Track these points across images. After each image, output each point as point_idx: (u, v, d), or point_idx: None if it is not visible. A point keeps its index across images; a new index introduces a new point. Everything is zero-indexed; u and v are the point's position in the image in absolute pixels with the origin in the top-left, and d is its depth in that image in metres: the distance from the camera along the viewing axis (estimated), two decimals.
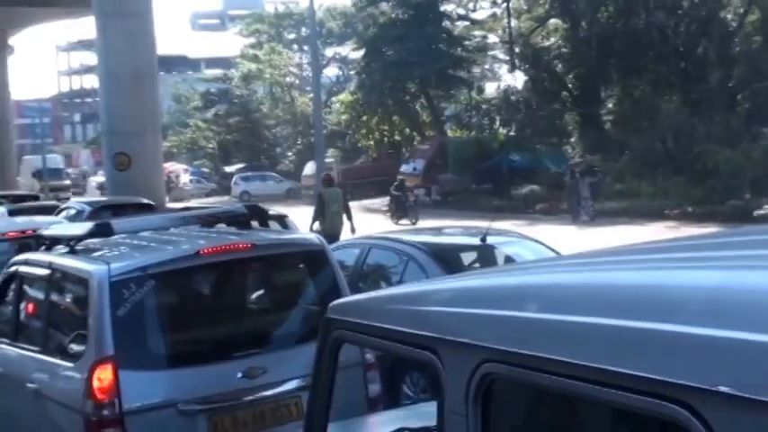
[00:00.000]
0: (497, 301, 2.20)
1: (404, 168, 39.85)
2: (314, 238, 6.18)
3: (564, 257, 3.49)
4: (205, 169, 58.74)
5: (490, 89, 48.72)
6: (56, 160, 57.56)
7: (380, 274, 9.17)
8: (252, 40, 58.17)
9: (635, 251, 2.58)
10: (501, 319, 2.09)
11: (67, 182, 54.64)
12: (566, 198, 29.06)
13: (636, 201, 27.68)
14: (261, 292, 6.34)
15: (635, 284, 2.00)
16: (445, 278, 3.01)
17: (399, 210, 29.44)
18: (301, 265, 6.10)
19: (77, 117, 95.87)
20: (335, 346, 2.79)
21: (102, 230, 5.81)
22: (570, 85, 38.40)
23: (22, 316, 6.50)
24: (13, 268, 6.61)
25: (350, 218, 17.10)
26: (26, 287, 6.48)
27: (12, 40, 39.76)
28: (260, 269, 6.14)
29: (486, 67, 49.29)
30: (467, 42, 43.85)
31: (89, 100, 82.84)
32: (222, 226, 6.36)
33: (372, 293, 3.01)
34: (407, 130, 45.69)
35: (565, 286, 2.18)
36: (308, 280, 6.08)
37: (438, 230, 11.18)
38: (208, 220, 6.28)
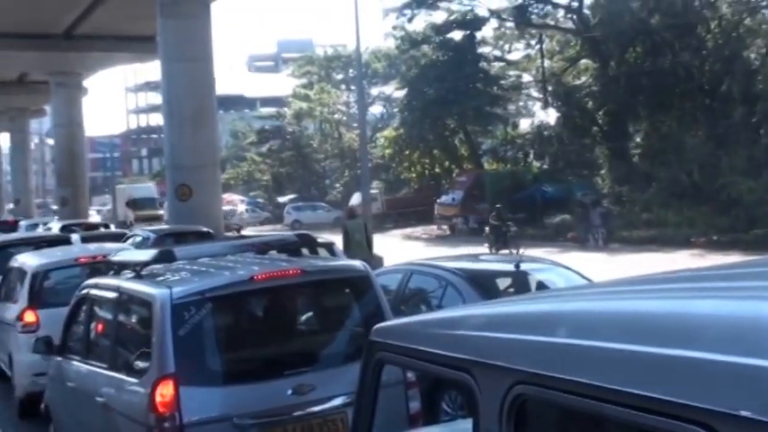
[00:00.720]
0: (529, 326, 2.19)
1: (443, 199, 39.87)
2: (359, 264, 6.19)
3: (593, 285, 3.45)
4: (260, 199, 59.21)
5: (524, 125, 48.70)
6: (149, 189, 53.73)
7: (421, 297, 9.14)
8: (303, 80, 58.73)
9: (660, 280, 2.54)
10: (532, 343, 2.07)
11: (161, 212, 48.52)
12: (576, 227, 29.06)
13: (663, 229, 27.36)
14: (309, 314, 6.35)
15: (660, 312, 1.97)
16: (480, 304, 2.99)
17: (500, 240, 25.88)
18: (347, 290, 6.11)
19: (144, 152, 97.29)
20: (378, 367, 2.79)
21: (165, 257, 5.89)
22: (600, 121, 38.17)
23: (92, 335, 6.59)
24: (85, 291, 6.72)
25: (370, 247, 16.94)
26: (96, 309, 6.57)
27: (86, 82, 40.55)
28: (309, 293, 6.17)
29: (521, 104, 49.26)
30: (502, 81, 43.86)
31: (155, 136, 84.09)
32: (274, 253, 6.41)
33: (412, 318, 3.00)
34: (447, 164, 45.69)
35: (593, 313, 2.15)
36: (353, 303, 6.08)
37: (475, 257, 11.13)
38: (261, 247, 6.33)
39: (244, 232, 32.56)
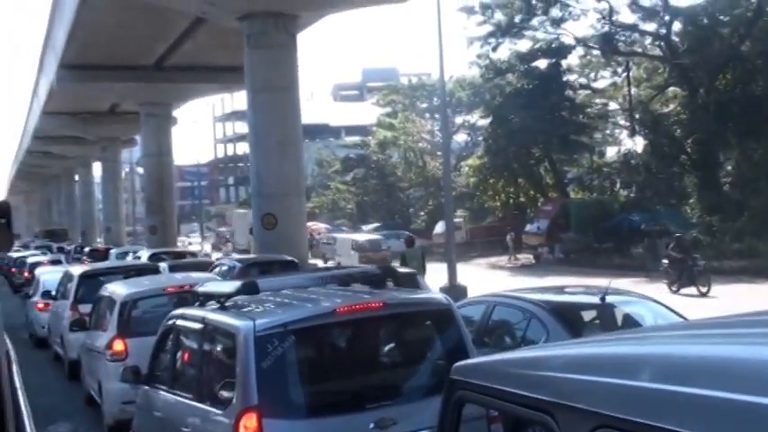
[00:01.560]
0: (612, 368, 2.16)
1: (528, 228, 39.50)
2: (442, 297, 6.19)
3: (681, 326, 3.38)
4: (344, 228, 59.69)
5: (611, 153, 48.01)
6: None
7: (504, 330, 9.06)
8: (388, 109, 59.18)
9: (751, 322, 2.48)
10: (616, 386, 2.05)
11: None
12: (645, 257, 28.63)
13: (755, 260, 26.51)
14: (392, 347, 6.37)
15: (755, 358, 1.91)
16: (562, 344, 2.96)
17: (684, 277, 22.14)
18: (429, 323, 6.11)
19: (231, 180, 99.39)
20: (458, 405, 2.79)
21: (249, 289, 6.00)
22: (689, 149, 37.32)
23: (178, 365, 6.74)
24: (171, 321, 6.89)
25: (423, 273, 17.35)
26: (182, 339, 6.72)
27: (175, 112, 41.76)
28: (391, 326, 6.18)
29: (607, 132, 48.59)
30: (588, 109, 43.38)
31: (241, 165, 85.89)
32: (357, 285, 6.45)
33: (493, 357, 3.00)
34: (532, 192, 45.30)
35: (681, 357, 2.11)
36: (435, 336, 6.08)
37: (560, 289, 10.98)
38: (344, 279, 6.38)
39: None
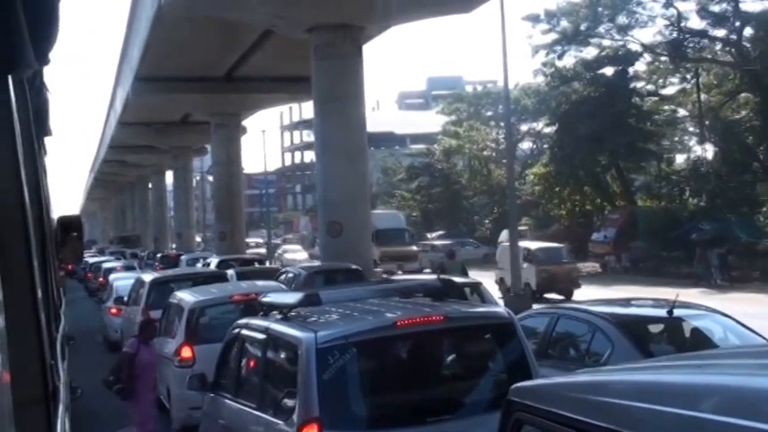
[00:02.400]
0: (677, 398, 2.07)
1: (595, 236, 38.93)
2: (503, 311, 6.11)
3: (748, 352, 3.25)
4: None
5: (680, 160, 47.01)
6: (397, 219, 43.63)
7: (568, 342, 8.91)
8: (453, 117, 59.09)
9: None
10: (680, 418, 1.96)
11: (413, 248, 39.00)
12: (695, 266, 28.81)
13: None
14: (452, 360, 6.30)
15: None
16: (626, 368, 2.86)
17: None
18: (491, 337, 6.03)
19: (298, 188, 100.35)
20: (516, 427, 2.73)
21: (312, 301, 6.01)
22: (761, 157, 36.31)
23: (242, 374, 6.79)
24: (236, 330, 6.96)
25: None
26: (246, 348, 6.77)
27: (244, 122, 42.33)
28: (452, 339, 6.13)
29: (676, 139, 47.64)
30: (656, 117, 42.59)
31: (308, 173, 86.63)
32: (419, 297, 6.41)
33: (552, 380, 2.92)
34: (598, 200, 44.63)
35: (748, 389, 2.01)
36: (496, 350, 6.00)
37: (626, 302, 10.76)
38: (405, 292, 6.35)
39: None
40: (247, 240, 50.19)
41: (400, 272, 33.75)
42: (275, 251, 53.33)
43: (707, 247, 28.38)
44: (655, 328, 8.41)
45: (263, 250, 55.09)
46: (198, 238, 63.72)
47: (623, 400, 2.22)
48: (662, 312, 8.04)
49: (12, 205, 2.15)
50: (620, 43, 40.74)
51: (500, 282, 26.18)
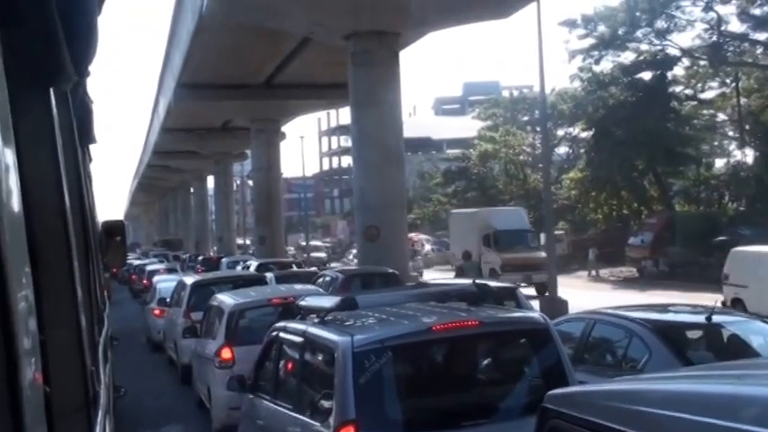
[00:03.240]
0: (717, 408, 2.02)
1: (632, 241, 38.52)
2: (538, 317, 6.06)
3: None
4: (445, 239, 59.51)
5: (719, 165, 46.36)
6: (519, 217, 34.69)
7: (604, 348, 8.81)
8: (489, 122, 58.86)
9: None
10: (719, 429, 1.92)
11: (541, 254, 28.77)
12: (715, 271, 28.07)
13: None
14: (487, 365, 6.28)
15: None
16: (663, 376, 2.82)
17: None
18: (526, 342, 6.00)
19: (336, 192, 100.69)
20: None
21: (348, 305, 6.01)
22: None
23: (280, 376, 6.83)
24: (275, 333, 7.01)
25: None
26: (284, 351, 6.81)
27: (283, 128, 42.60)
28: (487, 344, 6.10)
29: (715, 143, 46.97)
30: (695, 121, 42.07)
31: (346, 177, 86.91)
32: (454, 302, 6.39)
33: (588, 387, 2.88)
34: (635, 205, 44.16)
35: None
36: (531, 355, 5.97)
37: (664, 307, 10.61)
38: (441, 297, 6.33)
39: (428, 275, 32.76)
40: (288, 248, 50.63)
41: (524, 284, 25.67)
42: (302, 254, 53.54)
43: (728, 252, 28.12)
44: (693, 335, 8.28)
45: (322, 254, 55.28)
46: (244, 241, 64.16)
47: (661, 410, 2.19)
48: (700, 318, 7.92)
49: (53, 212, 2.18)
50: (659, 47, 40.31)
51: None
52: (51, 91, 2.14)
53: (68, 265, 2.30)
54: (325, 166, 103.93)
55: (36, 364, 1.01)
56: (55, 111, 2.18)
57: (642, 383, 2.76)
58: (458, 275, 18.31)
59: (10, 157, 0.99)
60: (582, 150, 50.06)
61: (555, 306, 18.70)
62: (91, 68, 2.47)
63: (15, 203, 1.00)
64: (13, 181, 1.00)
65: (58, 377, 1.43)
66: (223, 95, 37.02)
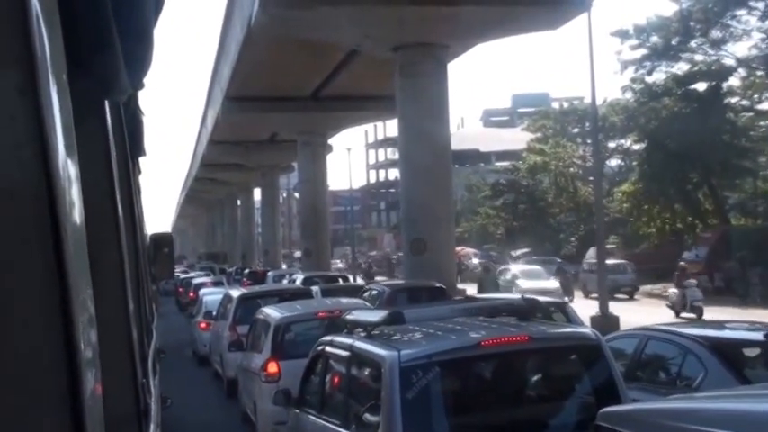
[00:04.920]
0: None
1: (686, 255, 37.88)
2: (590, 332, 6.00)
3: None
4: (493, 253, 59.21)
5: None
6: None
7: (658, 365, 8.67)
8: (538, 134, 58.49)
9: None
10: None
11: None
12: (736, 285, 29.44)
13: None
14: (537, 381, 6.22)
15: None
16: (719, 395, 2.77)
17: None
18: (577, 358, 5.93)
19: (382, 205, 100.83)
20: None
21: (395, 319, 6.01)
22: None
23: (326, 390, 6.85)
24: (321, 347, 7.03)
25: None
26: (330, 365, 6.83)
27: (330, 140, 42.85)
28: (536, 360, 6.06)
29: None
30: (752, 132, 41.28)
31: (392, 190, 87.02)
32: (504, 317, 6.35)
33: (642, 405, 2.85)
34: (689, 219, 43.46)
35: None
36: (582, 372, 5.90)
37: (720, 324, 10.40)
38: (490, 311, 6.30)
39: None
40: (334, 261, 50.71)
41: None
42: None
43: (746, 267, 29.07)
44: (750, 353, 8.11)
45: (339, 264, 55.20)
46: (290, 251, 64.52)
47: (718, 430, 2.15)
48: (758, 336, 7.76)
49: (107, 224, 2.23)
50: (714, 58, 39.72)
51: None
52: (106, 103, 2.19)
53: (121, 277, 2.34)
54: (372, 179, 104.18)
55: (96, 376, 1.04)
56: (109, 123, 2.23)
57: (697, 402, 2.71)
58: (479, 288, 18.91)
59: (73, 170, 1.02)
60: (634, 163, 49.48)
61: (606, 322, 18.49)
62: (146, 80, 2.52)
63: (78, 217, 1.03)
64: (76, 194, 1.02)
65: (111, 389, 1.46)
66: (270, 108, 37.40)
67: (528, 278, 30.99)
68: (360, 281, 36.67)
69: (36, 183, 0.87)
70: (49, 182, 0.88)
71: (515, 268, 35.26)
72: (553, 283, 30.57)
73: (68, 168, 0.98)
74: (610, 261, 29.47)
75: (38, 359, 0.86)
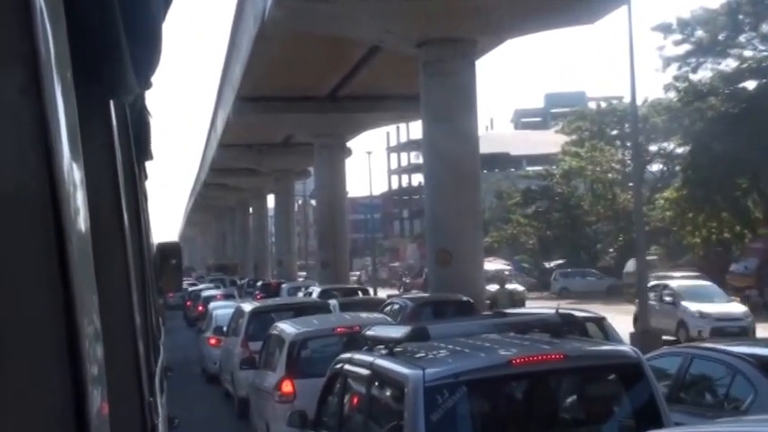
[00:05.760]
0: None
1: (734, 268, 37.62)
2: (629, 350, 5.97)
3: None
4: (525, 264, 59.05)
5: None
6: None
7: (703, 386, 8.63)
8: (574, 136, 58.28)
9: None
10: None
11: None
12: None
13: None
14: (573, 403, 6.20)
15: None
16: (762, 420, 2.76)
17: None
18: (616, 378, 5.91)
19: (405, 213, 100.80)
20: None
21: (419, 335, 6.01)
22: None
23: (345, 411, 6.85)
24: (339, 365, 7.04)
25: None
26: (349, 384, 6.84)
27: (349, 143, 42.97)
28: (572, 380, 6.04)
29: None
30: None
31: (416, 197, 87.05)
32: (536, 333, 6.34)
33: (685, 429, 2.83)
34: (738, 228, 43.13)
35: None
36: (621, 393, 5.88)
37: None
38: (521, 327, 6.29)
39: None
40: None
41: None
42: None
43: None
44: None
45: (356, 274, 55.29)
46: (306, 262, 64.68)
47: None
48: None
49: (111, 233, 2.24)
50: (765, 54, 39.45)
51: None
52: (111, 103, 2.21)
53: (126, 289, 2.35)
54: (394, 185, 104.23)
55: (103, 394, 1.05)
56: (115, 125, 2.25)
57: (747, 426, 2.70)
58: (492, 302, 19.28)
59: (78, 175, 1.03)
60: (677, 168, 49.19)
61: (648, 339, 18.37)
62: (153, 79, 2.54)
63: (83, 225, 1.04)
64: (82, 201, 1.03)
65: (116, 408, 1.47)
66: (285, 108, 37.55)
67: (695, 299, 25.48)
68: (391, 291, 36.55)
69: (40, 188, 0.88)
70: (54, 187, 0.89)
71: (675, 284, 28.07)
72: (738, 307, 26.15)
73: (74, 173, 0.99)
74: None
75: (41, 376, 0.86)
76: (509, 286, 25.00)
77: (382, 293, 35.85)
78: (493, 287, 23.93)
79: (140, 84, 2.30)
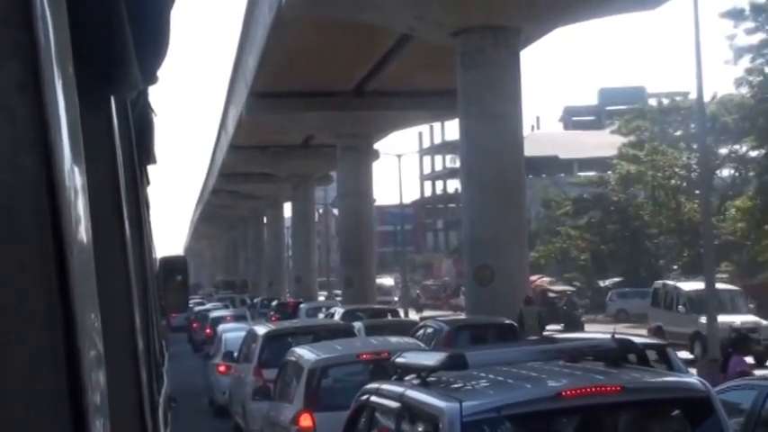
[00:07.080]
0: None
1: None
2: (696, 382, 5.95)
3: None
4: (576, 283, 58.79)
5: None
6: None
7: None
8: (632, 138, 58.09)
9: None
10: None
11: None
12: None
13: None
14: None
15: None
16: None
17: None
18: (681, 414, 5.89)
19: (440, 224, 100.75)
20: None
21: (456, 363, 6.00)
22: None
23: None
24: (365, 397, 7.04)
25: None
26: (376, 418, 6.84)
27: (376, 145, 43.03)
28: (631, 415, 6.02)
29: None
30: None
31: (452, 206, 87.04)
32: (590, 362, 6.32)
33: None
34: None
35: None
36: (687, 430, 5.85)
37: None
38: (572, 354, 6.27)
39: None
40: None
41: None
42: None
43: None
44: None
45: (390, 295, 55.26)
46: (327, 279, 64.76)
47: None
48: None
49: (111, 245, 2.25)
50: None
51: None
52: (112, 100, 2.22)
53: (128, 310, 2.37)
54: (427, 192, 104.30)
55: (105, 427, 1.05)
56: (115, 124, 2.26)
57: None
58: (519, 322, 19.86)
59: (80, 180, 1.04)
60: (751, 173, 48.89)
61: (717, 369, 18.19)
62: (159, 74, 2.56)
63: (85, 236, 1.05)
64: (83, 209, 1.04)
65: None
66: (304, 106, 37.67)
67: None
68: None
69: (37, 195, 0.89)
70: (53, 194, 0.90)
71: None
72: None
73: (75, 178, 1.00)
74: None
75: (39, 405, 0.87)
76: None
77: (413, 315, 35.88)
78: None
79: (145, 78, 2.32)
